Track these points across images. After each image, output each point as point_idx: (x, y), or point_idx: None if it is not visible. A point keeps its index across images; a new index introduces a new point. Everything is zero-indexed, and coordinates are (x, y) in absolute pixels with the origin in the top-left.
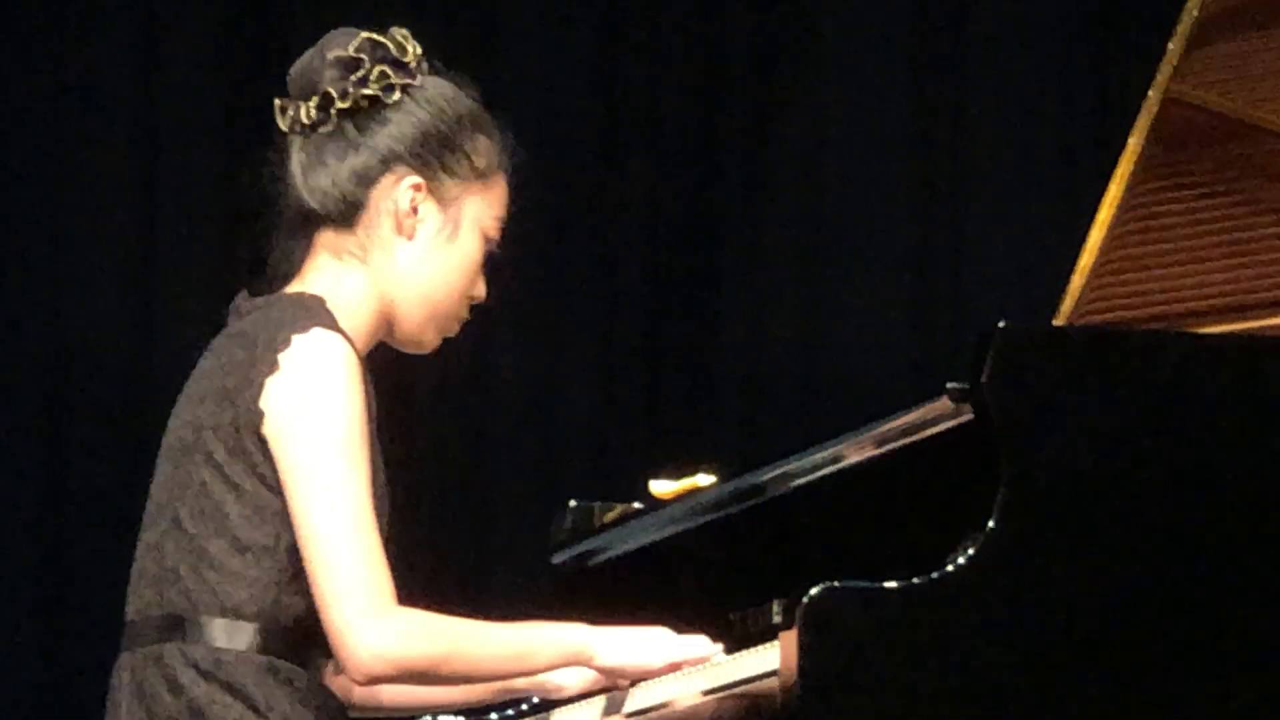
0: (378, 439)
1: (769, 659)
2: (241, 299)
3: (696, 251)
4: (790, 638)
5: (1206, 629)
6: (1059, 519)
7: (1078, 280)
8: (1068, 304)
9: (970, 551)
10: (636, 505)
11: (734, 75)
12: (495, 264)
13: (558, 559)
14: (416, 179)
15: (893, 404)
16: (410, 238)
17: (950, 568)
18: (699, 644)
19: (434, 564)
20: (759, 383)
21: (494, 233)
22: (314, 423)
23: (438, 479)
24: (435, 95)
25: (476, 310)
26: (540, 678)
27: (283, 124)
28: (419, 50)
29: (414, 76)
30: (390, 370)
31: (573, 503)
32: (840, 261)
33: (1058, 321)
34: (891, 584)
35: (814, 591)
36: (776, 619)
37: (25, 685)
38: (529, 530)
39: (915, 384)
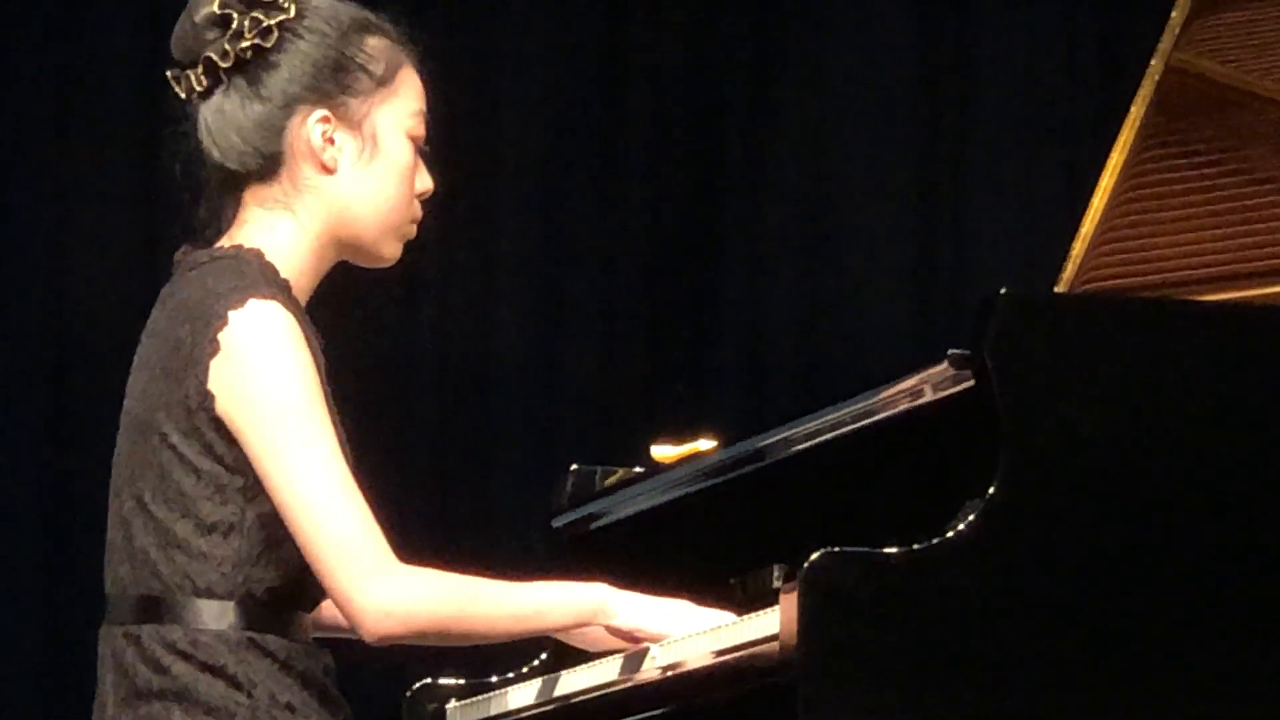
0: (331, 395)
1: (771, 623)
2: (183, 252)
3: (698, 217)
4: (791, 602)
5: (1208, 593)
6: (1059, 485)
7: (1079, 247)
8: (1070, 271)
9: (971, 517)
10: (638, 470)
11: (735, 44)
12: (499, 225)
13: (559, 523)
14: (322, 111)
15: (894, 371)
16: (334, 170)
17: (951, 533)
18: (719, 618)
19: (435, 528)
20: (760, 348)
21: (419, 129)
22: (270, 397)
23: (440, 443)
24: (314, 22)
25: (479, 275)
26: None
27: (181, 93)
28: None
29: (287, 10)
30: (393, 333)
31: (574, 467)
32: (842, 229)
33: (1060, 288)
34: (892, 549)
35: (815, 556)
36: (777, 584)
37: (29, 647)
38: (530, 494)
39: (917, 352)
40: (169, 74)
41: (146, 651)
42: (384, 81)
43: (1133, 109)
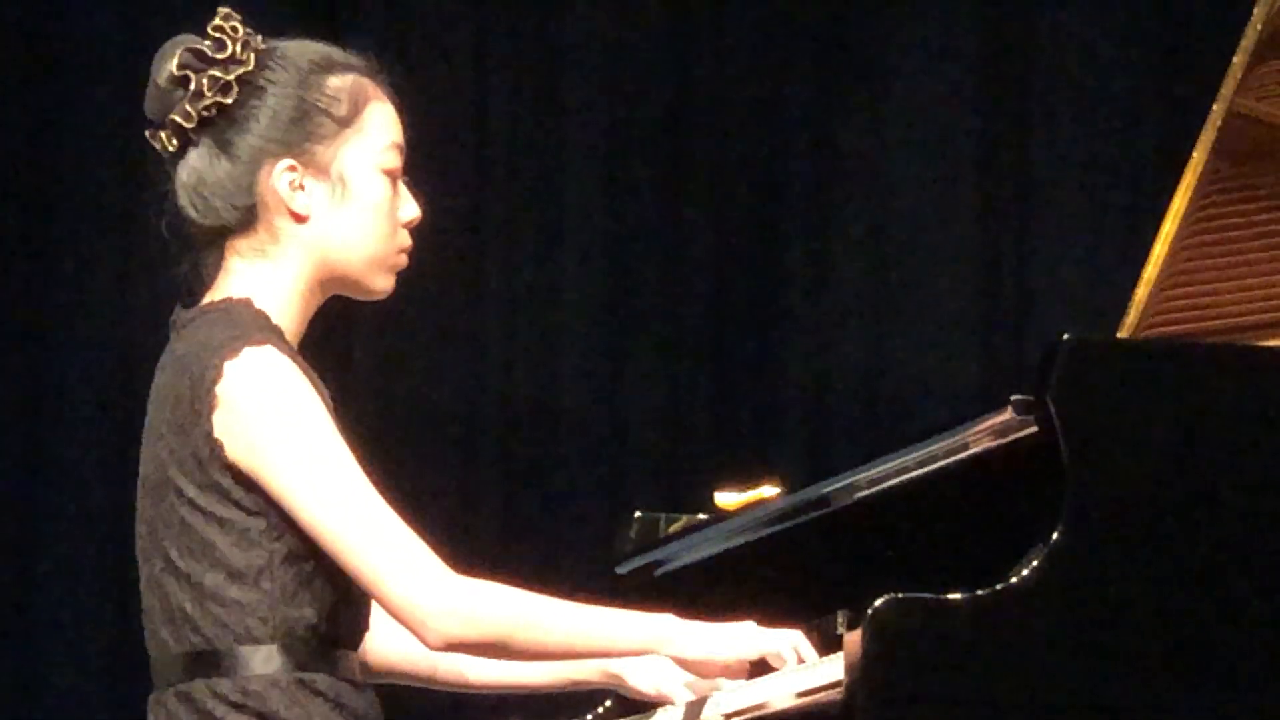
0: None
1: (835, 669)
2: (178, 313)
3: (763, 264)
4: (854, 648)
5: (1275, 641)
6: (1124, 531)
7: (1142, 292)
8: (1132, 316)
9: (1035, 563)
10: (702, 516)
11: (800, 91)
12: (563, 272)
13: (623, 569)
14: (288, 160)
15: (958, 417)
16: (307, 217)
17: (1015, 579)
18: (786, 637)
19: (499, 574)
20: (825, 394)
21: (393, 162)
22: (280, 438)
23: (504, 490)
24: (272, 72)
25: (543, 323)
26: (617, 670)
27: (159, 149)
28: (240, 32)
29: (245, 61)
30: (456, 382)
31: (638, 513)
32: (906, 275)
33: (1122, 334)
34: (956, 595)
35: (878, 603)
36: (841, 630)
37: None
38: (595, 540)
39: (981, 398)
40: (146, 132)
41: (200, 707)
42: (348, 122)
43: (1195, 154)
